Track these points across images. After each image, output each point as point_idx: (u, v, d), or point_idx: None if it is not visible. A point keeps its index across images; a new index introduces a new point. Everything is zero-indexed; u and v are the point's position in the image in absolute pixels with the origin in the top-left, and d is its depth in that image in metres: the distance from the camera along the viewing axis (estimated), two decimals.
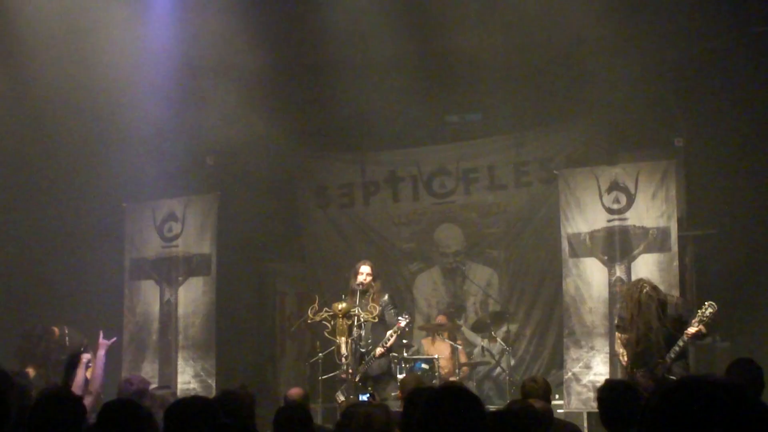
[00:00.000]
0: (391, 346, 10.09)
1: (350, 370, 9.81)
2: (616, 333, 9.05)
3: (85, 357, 9.16)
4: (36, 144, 11.89)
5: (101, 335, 9.11)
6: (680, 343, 8.31)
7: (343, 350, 9.73)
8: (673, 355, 8.33)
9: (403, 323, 10.01)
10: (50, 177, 12.70)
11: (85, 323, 11.68)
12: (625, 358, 8.69)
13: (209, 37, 10.87)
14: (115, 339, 9.45)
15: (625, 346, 8.67)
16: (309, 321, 10.03)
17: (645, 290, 8.46)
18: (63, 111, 11.40)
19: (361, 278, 10.23)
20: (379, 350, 9.97)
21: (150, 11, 10.98)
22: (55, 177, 12.70)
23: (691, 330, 8.25)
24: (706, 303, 8.35)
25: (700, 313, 8.29)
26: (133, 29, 10.88)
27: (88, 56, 10.89)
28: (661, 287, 8.99)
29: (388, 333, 9.99)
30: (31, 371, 9.52)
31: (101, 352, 8.48)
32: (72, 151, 12.30)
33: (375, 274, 10.39)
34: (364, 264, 10.43)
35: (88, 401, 7.48)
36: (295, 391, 7.99)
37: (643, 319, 8.46)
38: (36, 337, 10.30)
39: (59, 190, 12.77)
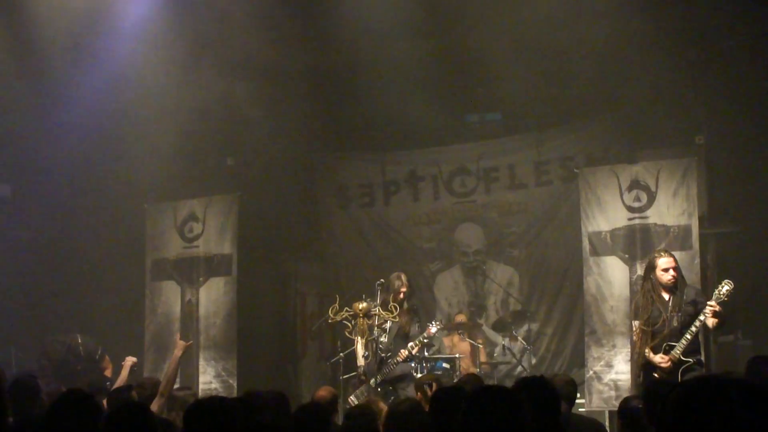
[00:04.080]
0: (416, 352, 10.10)
1: (364, 376, 9.85)
2: (633, 321, 9.03)
3: (130, 360, 9.20)
4: (56, 145, 11.94)
5: (178, 336, 9.11)
6: (692, 328, 8.28)
7: (360, 350, 9.77)
8: (689, 336, 8.30)
9: (433, 329, 10.02)
10: (71, 178, 12.76)
11: (106, 325, 11.78)
12: (639, 346, 8.66)
13: (231, 37, 10.89)
14: (191, 342, 9.47)
15: (640, 333, 8.65)
16: (330, 321, 10.04)
17: (658, 271, 8.47)
18: (82, 111, 11.45)
19: (402, 289, 10.17)
20: (404, 352, 9.96)
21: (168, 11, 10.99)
22: (76, 178, 12.77)
23: (708, 309, 8.21)
24: (723, 281, 8.31)
25: (717, 291, 8.26)
26: (153, 27, 10.91)
27: (106, 53, 10.96)
28: None
29: (417, 339, 9.98)
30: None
31: (178, 353, 8.40)
32: (93, 153, 12.37)
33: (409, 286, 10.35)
34: (401, 275, 10.35)
35: (159, 403, 7.49)
36: (322, 392, 7.92)
37: (656, 308, 8.47)
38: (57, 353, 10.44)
39: (80, 191, 12.84)
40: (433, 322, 10.16)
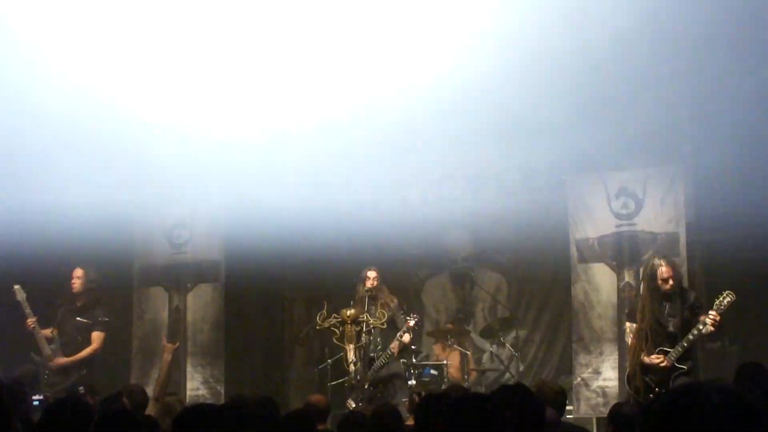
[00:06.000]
0: (406, 345, 10.15)
1: (358, 377, 9.84)
2: (627, 322, 9.07)
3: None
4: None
5: (164, 340, 9.04)
6: (690, 336, 8.32)
7: (351, 357, 9.77)
8: (686, 344, 8.35)
9: (411, 323, 10.07)
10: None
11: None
12: (635, 348, 8.70)
13: None
14: (178, 344, 9.41)
15: (635, 336, 8.69)
16: (318, 327, 10.06)
17: (658, 280, 8.54)
18: (74, 114, 11.37)
19: (368, 283, 10.28)
20: (394, 344, 10.01)
21: None
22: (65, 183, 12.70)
23: (709, 319, 8.25)
24: (724, 292, 8.34)
25: (717, 302, 8.29)
26: None
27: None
28: None
29: (399, 333, 10.06)
30: None
31: (168, 357, 8.31)
32: (81, 159, 12.30)
33: (382, 279, 10.44)
34: (370, 270, 10.48)
35: (154, 408, 7.44)
36: (316, 398, 7.88)
37: (653, 313, 8.53)
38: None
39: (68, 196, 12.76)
40: (411, 315, 10.24)
